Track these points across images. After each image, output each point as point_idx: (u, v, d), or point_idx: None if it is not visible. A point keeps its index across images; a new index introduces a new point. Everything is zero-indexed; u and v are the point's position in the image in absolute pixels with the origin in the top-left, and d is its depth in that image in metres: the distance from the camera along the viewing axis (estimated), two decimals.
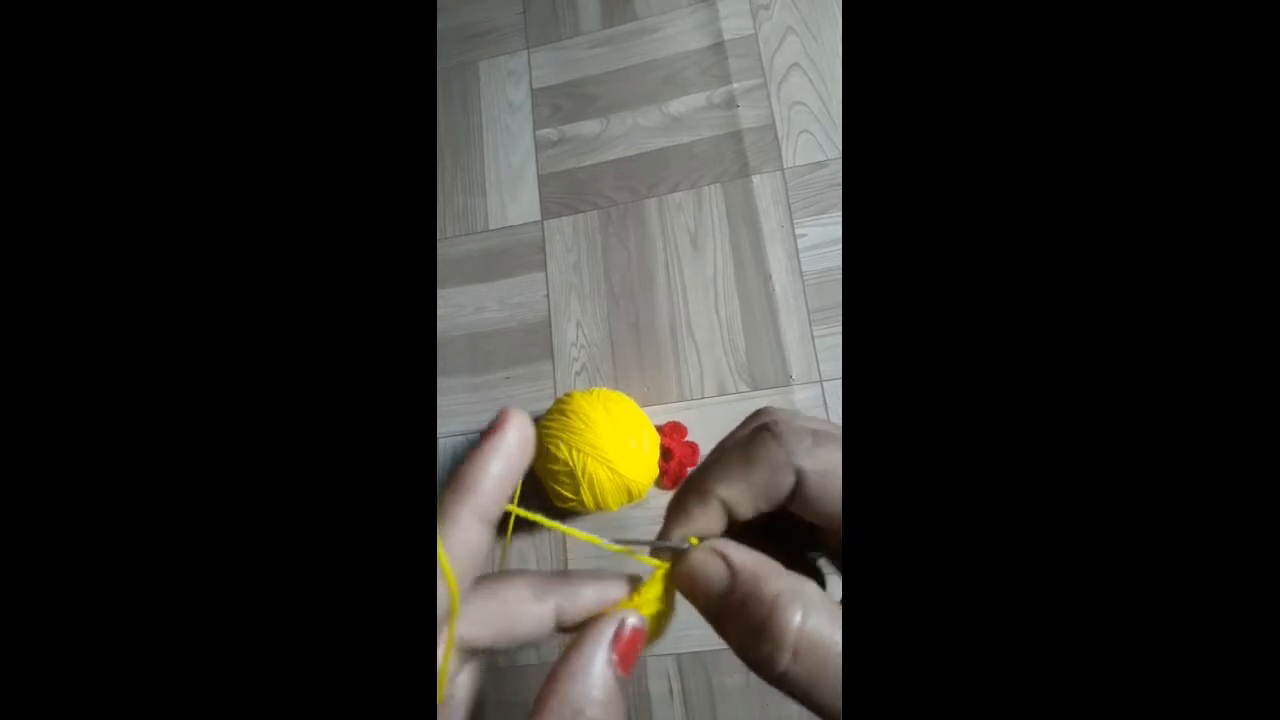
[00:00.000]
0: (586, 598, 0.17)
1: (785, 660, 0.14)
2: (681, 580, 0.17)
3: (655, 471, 0.58)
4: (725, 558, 0.16)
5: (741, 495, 0.17)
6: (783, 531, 0.18)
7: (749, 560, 0.16)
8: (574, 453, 0.53)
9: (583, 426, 0.54)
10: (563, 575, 0.18)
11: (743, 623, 0.15)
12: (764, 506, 0.17)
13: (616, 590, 0.18)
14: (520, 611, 0.17)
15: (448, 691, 0.16)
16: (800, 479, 0.16)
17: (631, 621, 0.17)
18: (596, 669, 0.16)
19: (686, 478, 0.18)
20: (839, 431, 0.16)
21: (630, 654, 0.16)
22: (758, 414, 0.18)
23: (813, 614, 0.15)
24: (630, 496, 0.56)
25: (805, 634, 0.14)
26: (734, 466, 0.17)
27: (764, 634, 0.15)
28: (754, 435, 0.17)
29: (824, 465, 0.16)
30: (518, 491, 0.17)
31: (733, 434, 0.18)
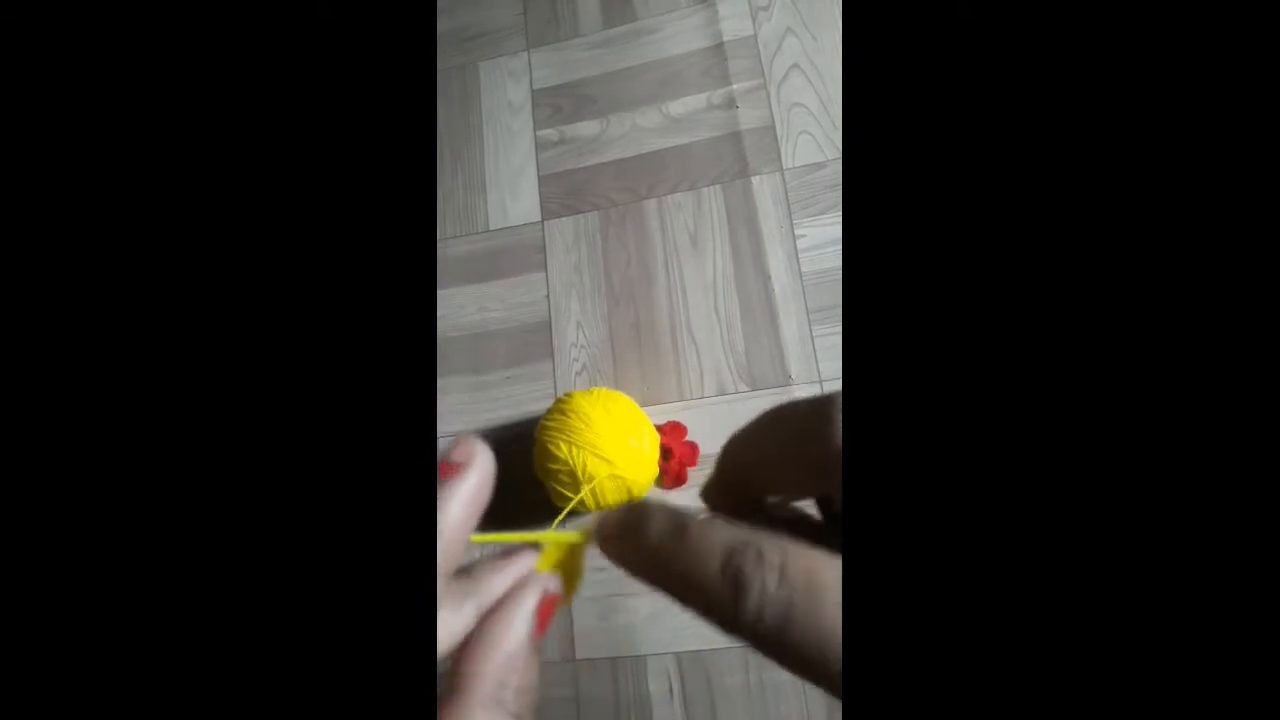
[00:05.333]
0: (498, 589, 0.16)
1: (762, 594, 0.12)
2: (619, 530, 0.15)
3: (655, 471, 0.58)
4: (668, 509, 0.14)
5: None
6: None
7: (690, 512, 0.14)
8: (574, 452, 0.53)
9: (583, 426, 0.54)
10: (466, 574, 0.16)
11: (700, 572, 0.13)
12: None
13: (525, 567, 0.17)
14: (440, 632, 0.15)
15: None
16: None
17: (552, 588, 0.16)
18: (517, 640, 0.14)
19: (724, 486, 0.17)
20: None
21: (547, 620, 0.16)
22: (825, 410, 0.14)
23: (786, 554, 0.12)
24: (630, 496, 0.56)
25: (778, 576, 0.12)
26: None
27: (734, 578, 0.12)
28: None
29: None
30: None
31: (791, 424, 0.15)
